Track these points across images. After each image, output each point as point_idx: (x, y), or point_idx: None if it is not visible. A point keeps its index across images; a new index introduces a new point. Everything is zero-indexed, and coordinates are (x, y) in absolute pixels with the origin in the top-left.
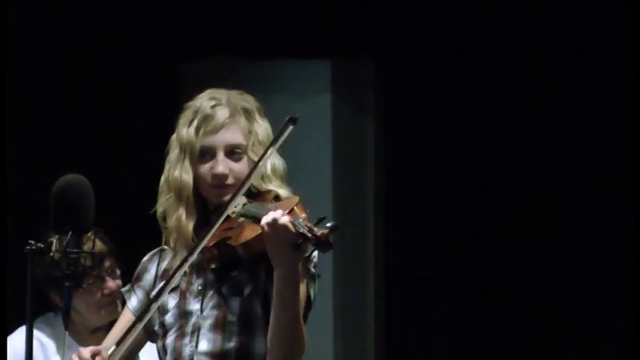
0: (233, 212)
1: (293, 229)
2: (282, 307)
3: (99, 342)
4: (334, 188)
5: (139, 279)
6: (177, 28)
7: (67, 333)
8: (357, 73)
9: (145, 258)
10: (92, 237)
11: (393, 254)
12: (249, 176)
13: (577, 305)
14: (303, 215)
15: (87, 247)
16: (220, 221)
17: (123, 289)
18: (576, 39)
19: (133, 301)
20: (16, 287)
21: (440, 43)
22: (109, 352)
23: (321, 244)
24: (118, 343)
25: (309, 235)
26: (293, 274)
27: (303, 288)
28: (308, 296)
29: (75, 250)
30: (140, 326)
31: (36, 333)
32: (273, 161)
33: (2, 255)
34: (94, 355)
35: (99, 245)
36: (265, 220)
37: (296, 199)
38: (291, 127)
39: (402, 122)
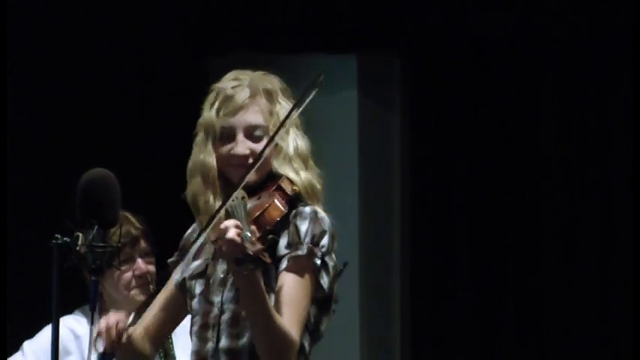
0: (231, 206)
1: (239, 244)
2: (248, 313)
3: None
4: (360, 182)
5: (183, 251)
6: (203, 22)
7: (93, 328)
8: (383, 67)
9: (189, 231)
10: (119, 230)
11: (419, 247)
12: (261, 153)
13: (598, 299)
14: (253, 227)
15: (115, 237)
16: (220, 215)
17: (169, 260)
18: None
19: (177, 274)
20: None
21: (465, 37)
22: (129, 319)
23: (255, 261)
24: (137, 311)
25: (249, 251)
26: (246, 285)
27: (303, 281)
28: (319, 285)
29: (101, 245)
30: (157, 295)
31: (72, 324)
32: (296, 141)
33: (2, 255)
34: (116, 323)
35: (133, 227)
36: (216, 232)
37: (273, 198)
38: (315, 91)
39: (428, 117)
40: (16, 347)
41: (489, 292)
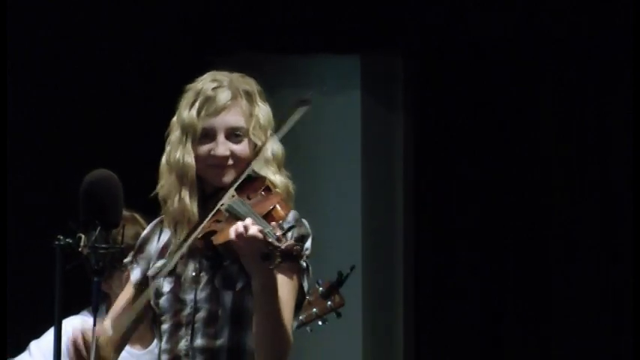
0: (222, 204)
1: (262, 239)
2: (262, 313)
3: (141, 336)
4: (363, 181)
5: (141, 250)
6: (203, 22)
7: (95, 328)
8: (386, 67)
9: (147, 230)
10: (122, 230)
11: (422, 247)
12: (250, 163)
13: (598, 299)
14: (273, 223)
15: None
16: (213, 212)
17: (125, 260)
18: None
19: (136, 273)
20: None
21: (465, 37)
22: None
23: (288, 256)
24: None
25: (277, 245)
26: (267, 283)
27: (292, 283)
28: (301, 288)
29: (103, 246)
30: (138, 308)
31: (78, 324)
32: (273, 146)
33: (3, 255)
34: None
35: (141, 228)
36: (235, 229)
37: (278, 197)
38: (304, 109)
39: (431, 116)
40: (16, 347)
41: (489, 292)
